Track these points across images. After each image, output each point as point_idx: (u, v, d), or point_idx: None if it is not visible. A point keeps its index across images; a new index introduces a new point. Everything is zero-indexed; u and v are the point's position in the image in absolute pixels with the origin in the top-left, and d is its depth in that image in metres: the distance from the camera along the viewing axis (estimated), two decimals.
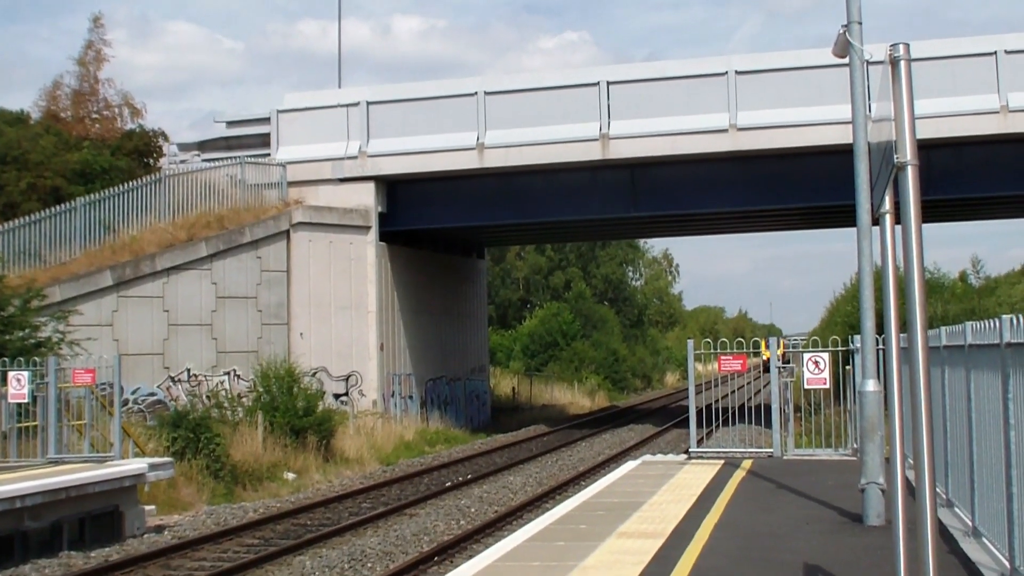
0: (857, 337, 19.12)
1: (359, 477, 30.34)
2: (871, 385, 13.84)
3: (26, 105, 45.08)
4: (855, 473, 14.61)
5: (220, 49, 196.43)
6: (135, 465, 21.38)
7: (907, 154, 7.57)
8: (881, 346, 16.39)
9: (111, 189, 34.57)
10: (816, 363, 19.70)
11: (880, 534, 12.85)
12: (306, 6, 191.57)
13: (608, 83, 36.74)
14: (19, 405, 22.96)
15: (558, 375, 69.14)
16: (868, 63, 14.26)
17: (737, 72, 35.51)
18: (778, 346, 69.13)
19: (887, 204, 8.79)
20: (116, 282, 32.40)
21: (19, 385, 22.46)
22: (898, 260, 8.45)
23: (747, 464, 19.99)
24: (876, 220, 9.48)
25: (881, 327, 13.74)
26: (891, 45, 7.81)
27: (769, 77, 35.49)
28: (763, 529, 13.44)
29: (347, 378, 37.57)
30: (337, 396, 36.96)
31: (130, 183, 35.15)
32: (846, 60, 14.41)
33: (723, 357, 21.29)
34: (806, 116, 34.35)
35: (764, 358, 66.33)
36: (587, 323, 78.91)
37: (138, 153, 42.62)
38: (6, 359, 23.44)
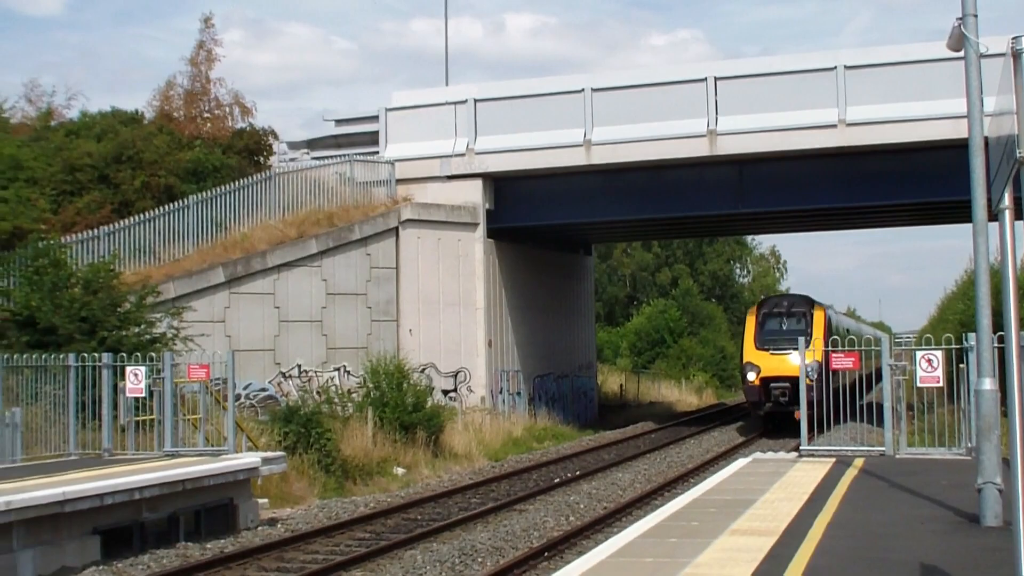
0: (971, 335, 18.88)
1: (468, 472, 30.50)
2: (988, 383, 13.64)
3: (140, 105, 45.74)
4: (969, 473, 14.44)
5: (334, 49, 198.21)
6: (249, 459, 21.69)
7: None
8: (998, 344, 16.12)
9: (222, 187, 34.97)
10: (929, 361, 19.47)
11: (998, 535, 12.66)
12: (419, 5, 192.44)
13: (715, 79, 36.60)
14: (136, 399, 23.38)
15: (665, 372, 68.89)
16: (983, 56, 14.06)
17: (846, 67, 35.18)
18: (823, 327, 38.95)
19: (1007, 200, 8.69)
20: (228, 279, 32.83)
21: (136, 380, 22.86)
22: (1017, 256, 8.35)
23: (858, 463, 19.79)
24: (994, 216, 9.36)
25: (997, 324, 13.56)
26: (1013, 38, 7.73)
27: (878, 72, 35.11)
28: (877, 528, 13.31)
29: (455, 374, 37.79)
30: (445, 392, 37.19)
31: (241, 181, 35.54)
32: (960, 54, 14.22)
33: (834, 354, 21.10)
34: (916, 111, 33.92)
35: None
36: (694, 320, 78.51)
37: (248, 152, 43.08)
38: (123, 354, 23.85)
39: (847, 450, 21.72)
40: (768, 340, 39.05)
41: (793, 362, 34.99)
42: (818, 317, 39.32)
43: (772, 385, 38.29)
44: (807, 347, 34.05)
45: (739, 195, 37.81)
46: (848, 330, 48.26)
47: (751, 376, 38.73)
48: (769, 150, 35.96)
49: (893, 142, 34.62)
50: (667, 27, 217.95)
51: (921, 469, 18.78)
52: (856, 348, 21.19)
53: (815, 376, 32.12)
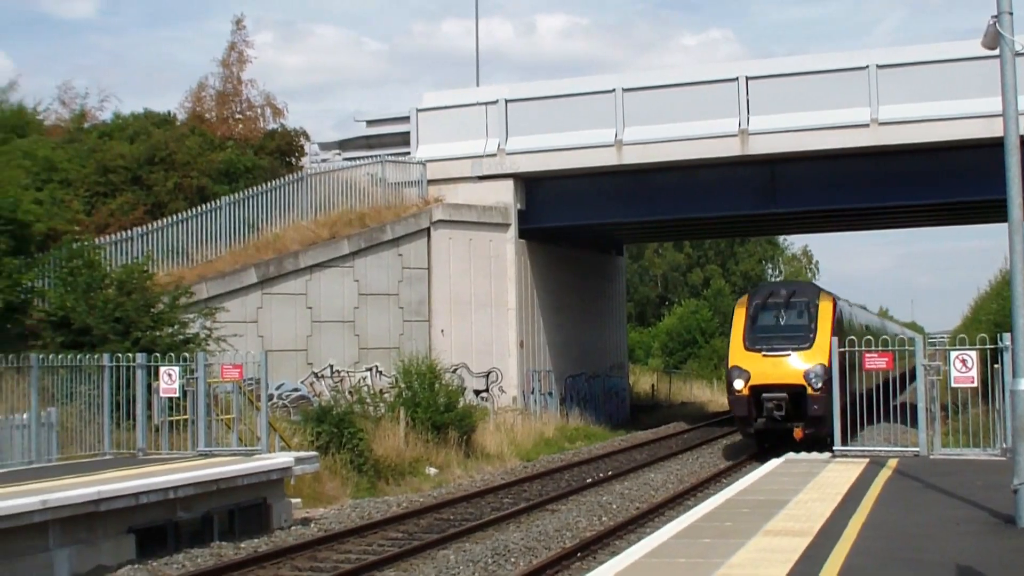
0: (1006, 335, 18.80)
1: (500, 473, 30.54)
2: (1023, 384, 13.58)
3: (172, 107, 45.87)
4: (1004, 473, 14.37)
5: (364, 51, 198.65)
6: (282, 459, 21.77)
7: None
8: None
9: (254, 188, 35.06)
10: (963, 361, 19.39)
11: None
12: (448, 6, 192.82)
13: (747, 78, 36.52)
14: (170, 399, 23.50)
15: (697, 373, 68.75)
16: (1018, 55, 14.02)
17: (878, 66, 35.07)
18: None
19: None
20: (260, 279, 32.91)
21: (170, 380, 22.97)
22: None
23: (892, 463, 19.74)
24: None
25: None
26: None
27: (910, 71, 34.99)
28: (912, 529, 13.28)
29: (487, 375, 37.83)
30: (477, 392, 37.22)
31: (273, 182, 35.65)
32: (994, 52, 14.18)
33: (867, 355, 21.01)
34: (949, 110, 33.79)
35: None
36: (726, 320, 78.09)
37: (280, 152, 43.16)
38: (157, 355, 23.98)
39: (881, 450, 21.63)
40: (761, 338, 32.13)
41: (793, 366, 30.87)
42: (824, 309, 32.20)
43: (764, 396, 31.03)
44: (810, 346, 30.84)
45: (771, 195, 37.71)
46: (867, 326, 44.60)
47: (738, 384, 31.49)
48: (801, 150, 35.86)
49: (926, 141, 34.47)
50: (698, 27, 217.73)
51: (956, 470, 18.71)
52: (889, 348, 21.06)
53: (819, 385, 29.56)
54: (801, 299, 32.72)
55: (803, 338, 31.30)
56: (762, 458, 28.42)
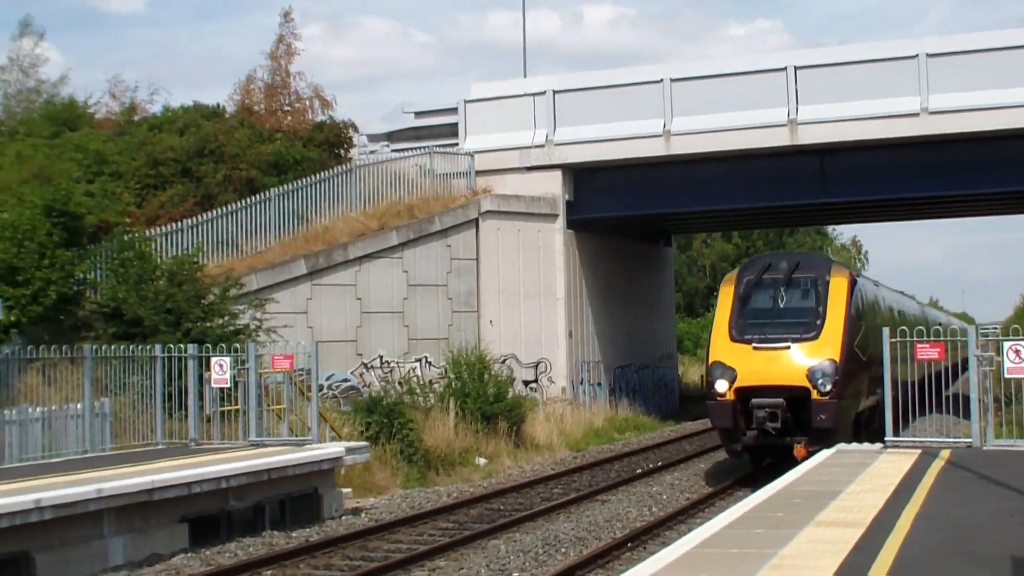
0: None
1: (550, 463, 30.58)
2: None
3: (221, 99, 45.94)
4: None
5: (412, 43, 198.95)
6: (333, 449, 21.89)
7: None
8: None
9: (303, 180, 35.18)
10: (1017, 352, 19.24)
11: None
12: None
13: (796, 68, 36.34)
14: (221, 390, 23.66)
15: None
16: None
17: (928, 55, 34.80)
18: None
19: None
20: (310, 271, 33.02)
21: (221, 371, 23.11)
22: None
23: (945, 454, 19.58)
24: None
25: None
26: None
27: (961, 59, 34.72)
28: (966, 521, 13.18)
29: (536, 365, 37.83)
30: (526, 383, 37.24)
31: (321, 174, 35.75)
32: None
33: (919, 345, 20.85)
34: (1001, 98, 33.52)
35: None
36: None
37: (329, 144, 43.21)
38: (208, 345, 24.14)
39: (933, 441, 21.49)
40: (752, 326, 25.29)
41: (794, 362, 24.45)
42: (837, 287, 25.50)
43: (755, 402, 24.29)
44: (816, 336, 24.58)
45: (820, 185, 37.51)
46: (900, 312, 38.29)
47: (720, 386, 24.56)
48: (851, 139, 35.64)
49: (977, 130, 34.19)
50: (745, 17, 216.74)
51: (1009, 461, 18.55)
52: (941, 339, 20.86)
53: (828, 387, 23.96)
54: (807, 275, 26.00)
55: (808, 325, 24.85)
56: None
